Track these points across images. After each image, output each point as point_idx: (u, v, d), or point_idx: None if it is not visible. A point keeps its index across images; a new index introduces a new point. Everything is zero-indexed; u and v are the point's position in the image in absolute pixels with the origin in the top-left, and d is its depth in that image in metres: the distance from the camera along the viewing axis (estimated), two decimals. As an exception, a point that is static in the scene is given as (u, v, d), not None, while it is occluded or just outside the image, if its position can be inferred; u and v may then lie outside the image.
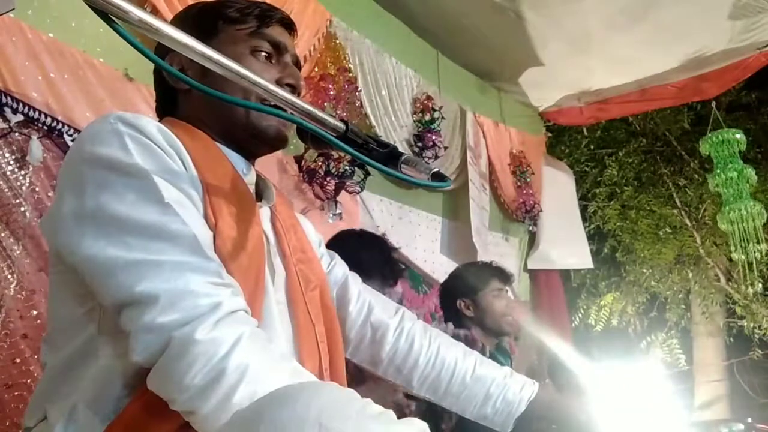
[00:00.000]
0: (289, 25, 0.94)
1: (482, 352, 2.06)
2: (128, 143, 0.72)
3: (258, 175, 0.95)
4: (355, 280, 1.11)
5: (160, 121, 0.90)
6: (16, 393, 1.55)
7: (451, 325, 1.98)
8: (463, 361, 1.07)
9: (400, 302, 1.65)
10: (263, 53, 0.90)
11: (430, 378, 1.06)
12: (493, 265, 2.29)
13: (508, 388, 1.05)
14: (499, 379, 1.06)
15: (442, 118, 3.21)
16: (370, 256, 1.65)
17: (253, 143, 0.90)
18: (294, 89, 0.89)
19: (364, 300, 1.08)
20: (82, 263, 0.70)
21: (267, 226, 0.90)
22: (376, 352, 1.06)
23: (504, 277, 2.24)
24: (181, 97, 0.91)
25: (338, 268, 1.10)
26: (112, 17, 0.57)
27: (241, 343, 0.65)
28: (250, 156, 0.92)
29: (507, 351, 2.46)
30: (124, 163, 0.71)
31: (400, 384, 1.08)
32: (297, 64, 0.95)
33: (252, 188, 0.90)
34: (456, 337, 1.32)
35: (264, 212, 0.91)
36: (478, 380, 1.05)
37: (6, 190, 1.61)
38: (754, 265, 4.29)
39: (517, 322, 2.20)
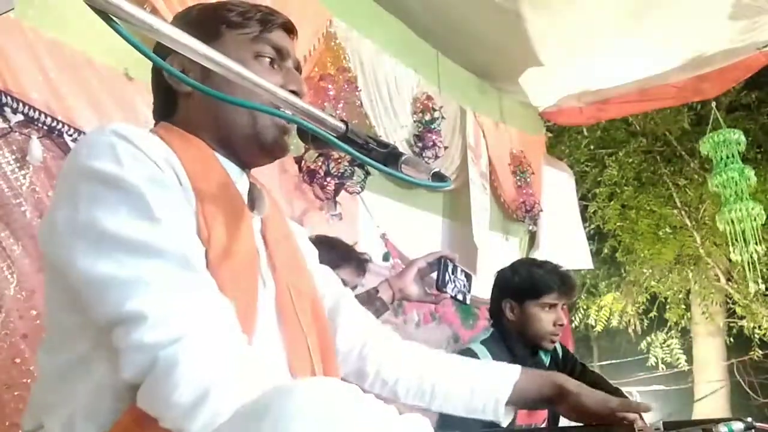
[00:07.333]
0: (290, 30, 0.94)
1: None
2: (122, 157, 0.71)
3: (253, 185, 0.94)
4: (347, 296, 1.12)
5: (155, 125, 0.90)
6: (15, 393, 1.55)
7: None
8: (443, 364, 1.10)
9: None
10: (267, 58, 0.89)
11: (414, 386, 1.08)
12: (560, 271, 2.00)
13: (490, 377, 1.08)
14: (479, 372, 1.09)
15: (442, 118, 3.21)
16: (337, 253, 1.76)
17: (251, 150, 0.89)
18: (297, 96, 0.88)
19: (354, 315, 1.10)
20: (74, 278, 0.70)
21: (257, 237, 0.89)
22: (363, 366, 1.08)
23: (565, 289, 1.98)
24: (181, 100, 0.90)
25: (332, 282, 1.11)
26: (112, 17, 0.57)
27: (228, 360, 0.65)
28: (246, 165, 0.91)
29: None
30: (117, 177, 0.71)
31: (388, 396, 1.10)
32: (298, 68, 0.95)
33: (245, 197, 0.89)
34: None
35: (254, 223, 0.90)
36: (461, 378, 1.08)
37: (6, 189, 1.61)
38: (752, 265, 4.28)
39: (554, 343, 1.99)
